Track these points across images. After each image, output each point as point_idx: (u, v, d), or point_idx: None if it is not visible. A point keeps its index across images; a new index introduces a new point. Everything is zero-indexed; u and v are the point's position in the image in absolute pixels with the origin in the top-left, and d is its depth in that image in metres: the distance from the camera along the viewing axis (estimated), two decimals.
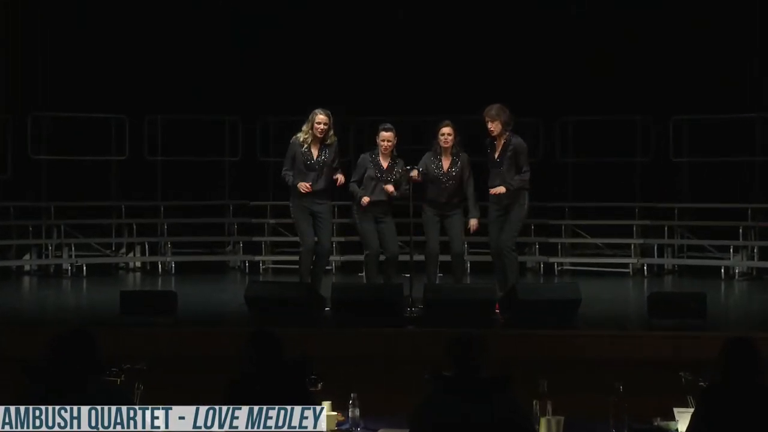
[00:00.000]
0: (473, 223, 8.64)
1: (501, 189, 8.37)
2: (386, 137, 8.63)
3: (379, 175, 8.64)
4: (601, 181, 13.06)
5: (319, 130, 8.58)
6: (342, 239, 12.15)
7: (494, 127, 8.40)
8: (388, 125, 8.72)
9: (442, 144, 8.60)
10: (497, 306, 8.09)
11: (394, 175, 8.65)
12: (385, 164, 8.65)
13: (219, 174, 13.58)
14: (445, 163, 8.63)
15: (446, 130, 8.59)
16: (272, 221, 12.92)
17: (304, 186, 8.56)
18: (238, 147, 13.63)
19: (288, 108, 12.49)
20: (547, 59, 13.02)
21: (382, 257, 8.71)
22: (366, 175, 8.67)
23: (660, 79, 12.85)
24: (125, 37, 13.20)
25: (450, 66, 13.12)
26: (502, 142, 8.44)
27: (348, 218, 11.09)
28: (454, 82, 12.98)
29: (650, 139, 13.14)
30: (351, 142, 12.86)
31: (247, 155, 13.61)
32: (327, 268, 11.72)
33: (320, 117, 8.59)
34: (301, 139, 8.65)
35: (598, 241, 12.84)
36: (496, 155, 8.48)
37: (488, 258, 9.01)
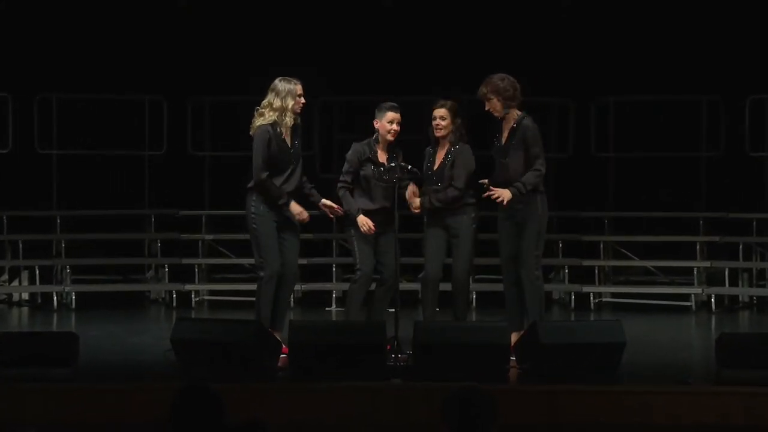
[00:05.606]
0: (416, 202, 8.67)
1: (504, 194, 8.34)
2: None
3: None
4: (653, 183, 13.12)
5: (302, 103, 8.61)
6: (304, 261, 12.10)
7: (490, 106, 8.48)
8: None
9: (434, 132, 8.69)
10: (512, 352, 8.14)
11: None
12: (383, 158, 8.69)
13: (137, 173, 13.58)
14: (438, 157, 8.70)
15: (437, 113, 8.66)
16: (209, 237, 12.90)
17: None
18: (162, 137, 13.64)
19: (229, 85, 12.51)
20: (578, 20, 13.07)
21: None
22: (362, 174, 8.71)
23: (732, 46, 12.91)
24: None
25: (456, 33, 13.15)
26: (511, 124, 8.50)
27: (311, 233, 11.12)
28: (461, 54, 13.02)
29: (719, 127, 13.22)
30: (335, 125, 12.98)
31: (175, 148, 13.61)
32: None
33: (301, 86, 8.57)
34: (287, 122, 8.55)
35: (649, 264, 12.90)
36: (502, 142, 8.53)
37: (499, 287, 9.05)
